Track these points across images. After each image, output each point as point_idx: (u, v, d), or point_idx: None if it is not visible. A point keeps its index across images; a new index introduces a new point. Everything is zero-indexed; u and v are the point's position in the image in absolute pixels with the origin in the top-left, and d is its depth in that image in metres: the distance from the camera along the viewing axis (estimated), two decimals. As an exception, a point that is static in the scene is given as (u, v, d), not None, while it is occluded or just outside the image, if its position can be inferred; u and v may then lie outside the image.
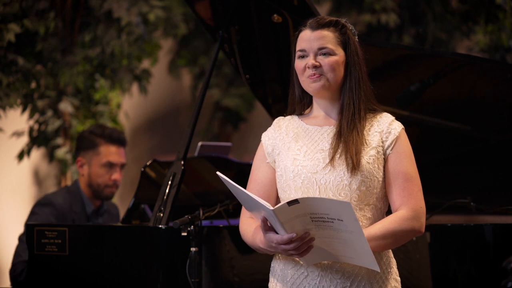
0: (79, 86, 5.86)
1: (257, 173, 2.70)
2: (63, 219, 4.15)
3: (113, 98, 6.46)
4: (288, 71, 4.04)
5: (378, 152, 2.60)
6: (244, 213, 2.69)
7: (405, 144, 2.63)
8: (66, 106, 5.81)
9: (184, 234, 3.18)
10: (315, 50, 2.62)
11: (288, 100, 2.76)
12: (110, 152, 4.28)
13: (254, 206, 2.50)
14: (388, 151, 2.61)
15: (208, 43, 7.40)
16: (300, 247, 2.45)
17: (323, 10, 7.26)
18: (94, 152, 4.28)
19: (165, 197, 3.48)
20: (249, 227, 2.64)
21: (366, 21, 7.05)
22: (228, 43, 3.92)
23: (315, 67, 2.60)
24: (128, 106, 7.01)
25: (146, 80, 6.26)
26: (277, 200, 2.68)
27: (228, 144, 4.61)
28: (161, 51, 6.97)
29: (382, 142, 2.61)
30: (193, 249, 3.17)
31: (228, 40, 3.90)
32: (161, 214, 3.43)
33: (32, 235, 3.56)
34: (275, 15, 3.80)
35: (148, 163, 3.98)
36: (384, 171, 2.61)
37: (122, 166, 4.32)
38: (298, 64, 2.65)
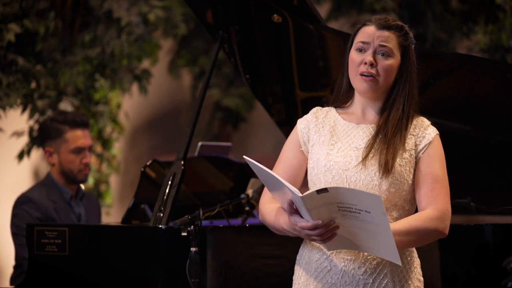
0: (79, 86, 5.86)
1: (288, 156, 2.71)
2: (45, 210, 4.15)
3: (113, 98, 6.46)
4: (288, 71, 4.06)
5: (411, 155, 2.62)
6: (266, 193, 2.69)
7: (438, 149, 2.66)
8: (66, 106, 5.80)
9: (184, 234, 3.18)
10: (376, 46, 2.62)
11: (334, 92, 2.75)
12: (77, 137, 4.28)
13: (280, 189, 2.50)
14: (420, 154, 2.63)
15: (208, 43, 7.40)
16: (323, 234, 2.46)
17: (323, 10, 7.25)
18: (61, 139, 4.27)
19: (165, 197, 3.48)
20: (271, 206, 2.64)
21: (366, 21, 7.03)
22: (228, 43, 3.92)
23: (371, 64, 2.61)
24: (128, 106, 7.00)
25: (146, 80, 6.26)
26: (303, 186, 2.68)
27: (228, 144, 4.60)
28: (161, 51, 6.96)
29: (416, 145, 2.64)
30: (193, 249, 3.16)
31: (228, 40, 3.90)
32: (161, 214, 3.44)
33: (32, 235, 3.56)
34: (275, 15, 3.80)
35: (148, 163, 3.98)
36: (414, 173, 2.62)
37: (90, 148, 4.34)
38: (355, 56, 2.64)
